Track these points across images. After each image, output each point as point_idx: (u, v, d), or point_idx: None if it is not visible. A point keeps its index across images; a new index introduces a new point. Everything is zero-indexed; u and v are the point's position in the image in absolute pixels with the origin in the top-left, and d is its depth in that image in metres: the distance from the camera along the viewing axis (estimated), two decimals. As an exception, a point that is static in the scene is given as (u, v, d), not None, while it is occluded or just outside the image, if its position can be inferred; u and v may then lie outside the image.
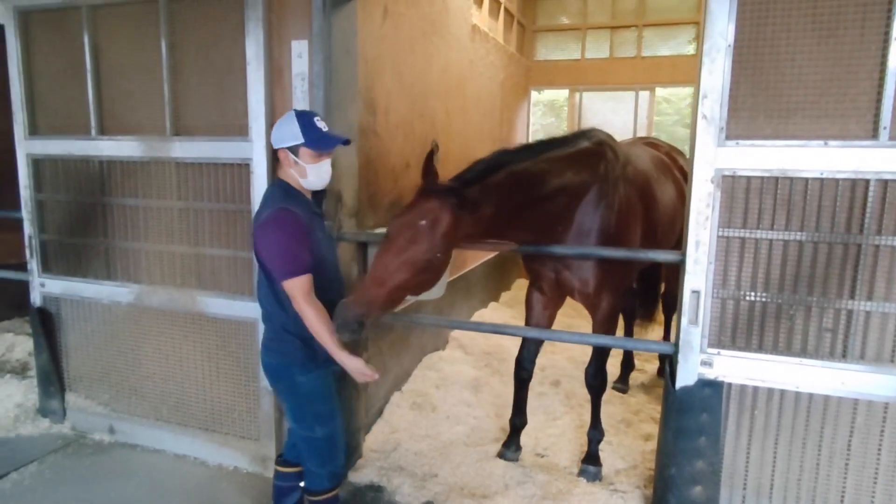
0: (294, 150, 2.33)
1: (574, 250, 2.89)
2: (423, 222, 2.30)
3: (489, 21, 6.09)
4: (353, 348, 2.92)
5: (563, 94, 8.31)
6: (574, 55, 7.85)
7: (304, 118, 2.35)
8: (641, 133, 7.40)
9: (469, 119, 5.37)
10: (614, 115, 7.78)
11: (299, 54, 2.93)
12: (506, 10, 6.64)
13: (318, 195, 2.58)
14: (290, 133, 2.32)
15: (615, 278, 3.10)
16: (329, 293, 2.38)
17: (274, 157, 2.50)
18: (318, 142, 2.33)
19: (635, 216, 3.14)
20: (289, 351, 2.40)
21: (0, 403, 3.84)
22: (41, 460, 3.39)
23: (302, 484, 2.58)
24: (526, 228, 2.79)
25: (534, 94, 8.53)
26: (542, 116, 11.52)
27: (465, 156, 4.17)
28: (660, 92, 7.71)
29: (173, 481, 3.21)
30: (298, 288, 2.25)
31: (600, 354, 3.26)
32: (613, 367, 4.62)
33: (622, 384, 4.44)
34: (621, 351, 4.54)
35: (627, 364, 4.49)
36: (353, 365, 2.28)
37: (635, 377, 4.55)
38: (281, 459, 2.68)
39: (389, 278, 2.26)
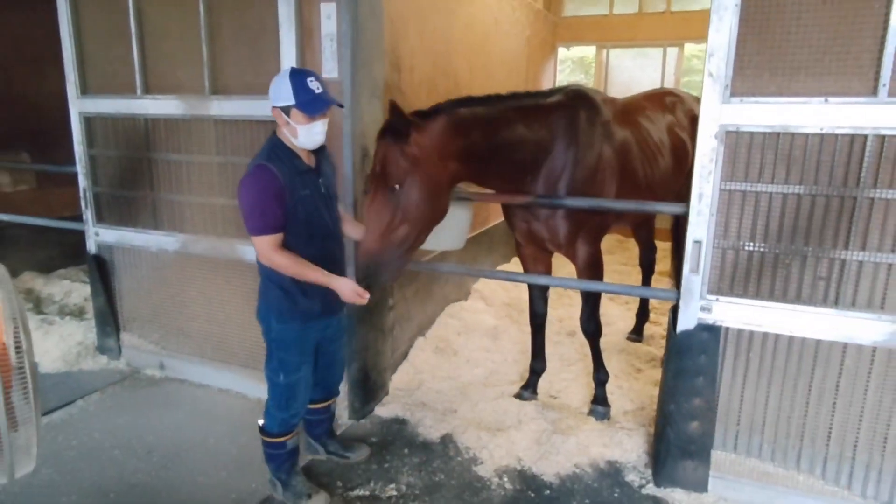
0: (286, 110, 2.36)
1: (585, 202, 3.01)
2: (378, 168, 2.53)
3: (515, -23, 6.09)
4: (378, 292, 3.17)
5: (592, 50, 8.25)
6: (602, 10, 7.76)
7: (298, 78, 2.35)
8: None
9: (493, 76, 5.45)
10: (642, 72, 7.73)
11: (328, 15, 3.09)
12: (533, -36, 6.61)
13: (320, 152, 2.59)
14: (282, 93, 2.35)
15: (587, 229, 3.21)
16: (321, 249, 2.52)
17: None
18: (308, 105, 2.34)
19: (612, 172, 3.21)
20: (271, 298, 2.55)
21: (63, 342, 4.24)
22: (102, 390, 3.78)
23: (260, 422, 2.71)
24: (497, 176, 2.96)
25: (563, 51, 8.49)
26: (571, 73, 11.41)
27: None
28: (689, 49, 7.59)
29: (218, 411, 3.57)
30: (265, 244, 2.37)
31: (589, 301, 3.41)
32: (629, 318, 4.83)
33: (636, 335, 4.63)
34: (637, 302, 4.72)
35: (642, 314, 4.66)
36: (345, 286, 2.42)
37: (649, 328, 4.73)
38: (312, 399, 2.86)
39: (375, 226, 2.50)
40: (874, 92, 2.24)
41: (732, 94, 2.42)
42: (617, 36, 7.67)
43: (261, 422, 2.72)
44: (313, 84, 2.37)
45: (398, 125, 2.51)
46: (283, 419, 2.65)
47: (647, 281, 4.83)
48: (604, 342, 3.63)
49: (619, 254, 7.14)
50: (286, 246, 2.44)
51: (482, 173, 2.91)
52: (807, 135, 2.36)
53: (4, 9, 5.16)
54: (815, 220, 2.42)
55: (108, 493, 2.82)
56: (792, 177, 2.42)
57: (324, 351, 2.78)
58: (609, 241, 7.50)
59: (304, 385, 2.67)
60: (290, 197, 2.40)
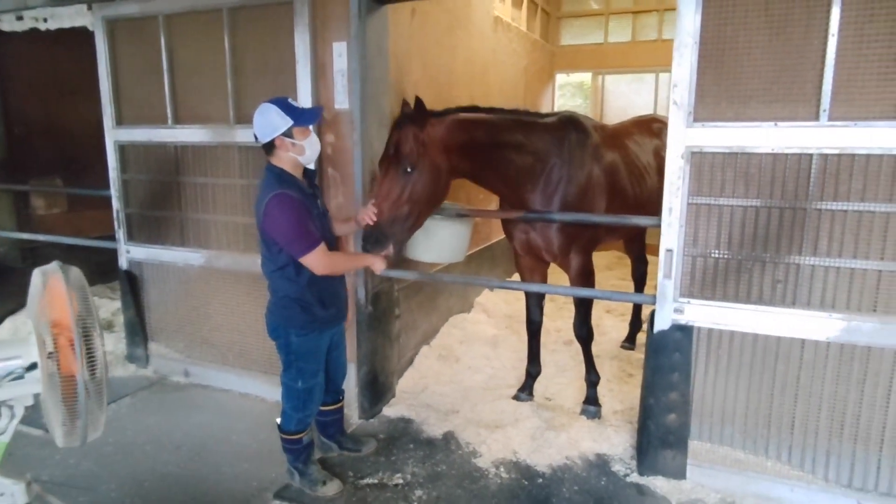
0: (287, 133, 2.57)
1: (571, 217, 3.35)
2: (391, 149, 2.98)
3: (512, 11, 6.52)
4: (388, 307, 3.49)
5: (590, 76, 8.66)
6: (598, 39, 8.19)
7: (280, 104, 2.56)
8: (662, 112, 7.71)
9: (492, 103, 5.80)
10: (637, 95, 8.11)
11: (339, 54, 3.47)
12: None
13: (310, 176, 2.85)
14: (275, 122, 2.54)
15: (580, 241, 3.55)
16: None
17: (268, 148, 2.67)
18: (305, 117, 2.60)
19: (601, 190, 3.57)
20: (290, 315, 2.76)
21: (95, 351, 4.58)
22: (132, 395, 4.11)
23: (278, 420, 2.97)
24: (498, 179, 3.36)
25: (562, 77, 8.91)
26: (571, 98, 11.84)
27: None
28: (682, 73, 7.95)
29: (240, 412, 3.88)
30: (319, 257, 2.60)
31: (581, 308, 3.72)
32: (623, 329, 5.11)
33: (629, 343, 4.90)
34: (630, 314, 5.01)
35: (635, 324, 4.95)
36: (376, 260, 2.91)
37: (641, 337, 4.99)
38: (324, 402, 3.14)
39: (385, 197, 2.93)
40: (817, 117, 2.56)
41: (695, 120, 2.75)
42: (612, 63, 8.08)
43: (278, 420, 2.99)
44: (294, 102, 2.64)
45: (419, 116, 3.00)
46: (299, 419, 2.92)
47: (639, 292, 5.12)
48: (598, 350, 3.93)
49: (618, 269, 7.43)
50: (298, 267, 2.67)
51: (484, 173, 3.32)
52: (761, 154, 2.68)
53: (45, 44, 5.63)
54: (771, 229, 2.73)
55: (143, 482, 3.12)
56: (750, 191, 2.74)
57: (330, 357, 3.06)
58: (608, 258, 7.81)
59: (319, 388, 2.97)
60: (311, 216, 2.66)
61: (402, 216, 2.99)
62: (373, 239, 2.95)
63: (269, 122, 2.58)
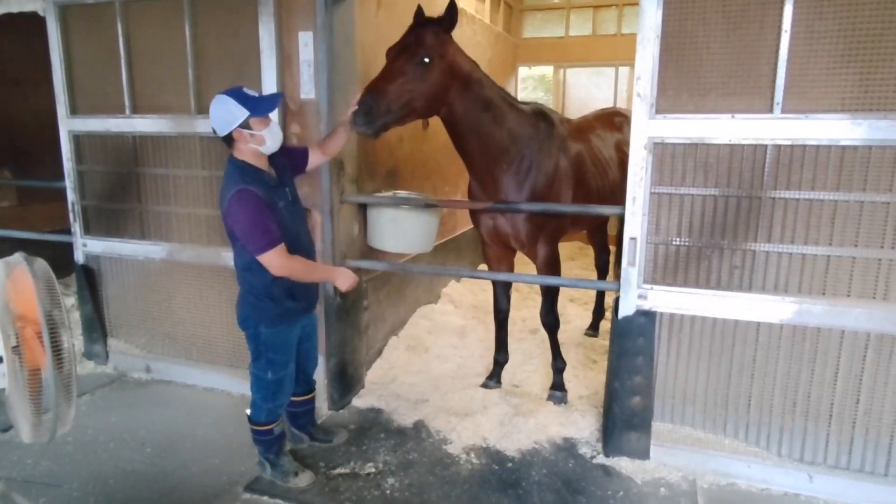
0: (244, 125, 2.51)
1: (537, 206, 3.43)
2: (410, 39, 3.08)
3: (476, 4, 6.55)
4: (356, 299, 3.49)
5: (551, 69, 8.77)
6: (559, 32, 8.30)
7: (235, 94, 2.51)
8: (622, 105, 7.88)
9: (458, 95, 5.84)
10: (597, 89, 8.26)
11: (305, 43, 3.43)
12: (493, -9, 7.08)
13: (278, 167, 2.76)
14: (232, 113, 2.49)
15: (546, 230, 3.63)
16: (299, 253, 2.72)
17: (227, 140, 2.63)
18: (261, 106, 2.53)
19: (567, 181, 3.67)
20: (261, 308, 2.73)
21: (50, 349, 4.42)
22: (92, 392, 4.00)
23: (247, 412, 2.95)
24: (477, 147, 3.39)
25: (525, 70, 8.99)
26: (533, 91, 11.97)
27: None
28: (640, 67, 8.15)
29: (204, 407, 3.81)
30: (277, 256, 2.54)
31: (548, 296, 3.82)
32: (587, 317, 5.23)
33: (593, 331, 5.03)
34: (593, 303, 5.13)
35: (598, 312, 5.07)
36: (344, 275, 2.83)
37: (604, 325, 5.13)
38: (295, 393, 3.13)
39: (389, 77, 2.97)
40: (771, 109, 2.68)
41: (657, 112, 2.84)
42: (573, 56, 8.21)
43: (248, 411, 2.97)
44: (250, 91, 2.56)
45: (449, 21, 3.13)
46: (269, 409, 2.90)
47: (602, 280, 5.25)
48: (563, 337, 4.01)
49: (579, 259, 7.59)
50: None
51: (466, 133, 3.35)
52: (719, 145, 2.79)
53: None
54: (729, 217, 2.85)
55: (107, 480, 3.05)
56: (709, 181, 2.85)
57: (302, 348, 3.06)
58: (570, 248, 7.96)
59: (290, 379, 2.95)
60: (275, 210, 2.61)
61: (400, 104, 3.00)
62: (364, 110, 2.92)
63: (226, 114, 2.53)
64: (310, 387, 3.26)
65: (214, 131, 2.62)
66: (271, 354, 2.82)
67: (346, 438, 3.36)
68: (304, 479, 2.97)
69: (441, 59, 3.10)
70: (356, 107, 2.95)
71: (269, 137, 2.59)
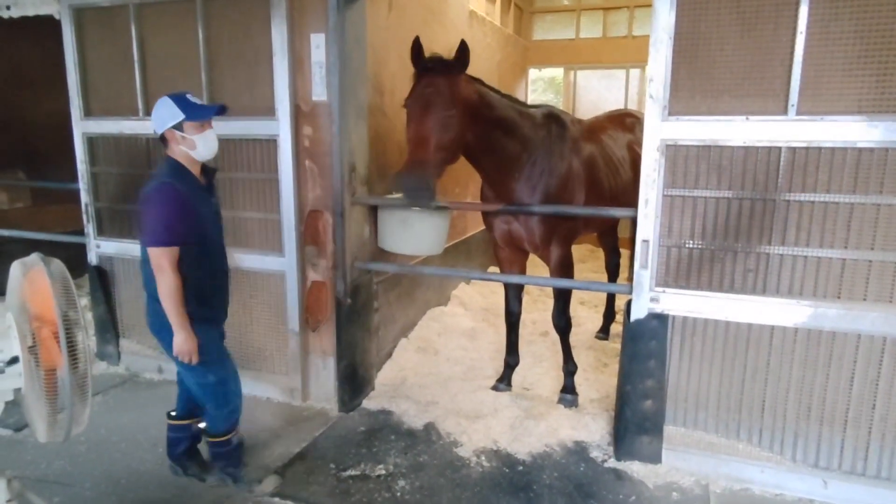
0: (178, 126, 2.55)
1: (550, 209, 3.42)
2: (430, 89, 2.98)
3: (486, 5, 6.55)
4: (367, 300, 3.46)
5: (561, 71, 8.75)
6: (569, 35, 8.28)
7: (177, 98, 2.57)
8: (633, 108, 7.85)
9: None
10: (608, 91, 8.23)
11: (317, 45, 3.45)
12: (504, -7, 7.08)
13: (209, 174, 2.77)
14: (169, 114, 2.54)
15: (560, 232, 3.62)
16: (212, 262, 2.72)
17: (163, 140, 2.64)
18: (196, 113, 2.57)
19: (580, 183, 3.66)
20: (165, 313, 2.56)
21: (63, 349, 4.46)
22: (104, 392, 4.03)
23: (202, 425, 2.89)
24: (490, 161, 3.39)
25: (535, 72, 8.98)
26: (543, 93, 11.96)
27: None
28: (651, 69, 8.12)
29: (217, 408, 3.83)
30: (165, 255, 2.48)
31: (560, 298, 3.80)
32: (598, 320, 5.20)
33: (604, 334, 5.01)
34: (604, 306, 5.11)
35: (609, 315, 5.05)
36: (186, 341, 2.55)
37: (615, 328, 5.11)
38: (172, 415, 3.01)
39: (425, 138, 2.90)
40: (785, 111, 2.66)
41: (670, 114, 2.82)
42: (583, 58, 8.19)
43: (202, 425, 2.89)
44: (193, 98, 2.62)
45: (461, 63, 3.08)
46: (226, 416, 2.82)
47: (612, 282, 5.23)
48: (574, 340, 3.99)
49: (590, 262, 7.57)
50: (182, 261, 2.54)
51: (480, 150, 3.33)
52: (733, 147, 2.77)
53: (2, 35, 5.44)
54: (742, 220, 2.82)
55: (119, 479, 3.07)
56: (722, 183, 2.82)
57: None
58: (581, 251, 7.93)
59: (233, 376, 2.85)
60: (193, 213, 2.58)
61: (439, 162, 3.00)
62: (415, 183, 2.85)
63: (162, 114, 2.59)
64: (191, 412, 2.98)
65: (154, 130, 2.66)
66: (202, 356, 2.66)
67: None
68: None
69: (461, 103, 3.09)
70: (406, 178, 2.89)
71: (200, 143, 2.61)
